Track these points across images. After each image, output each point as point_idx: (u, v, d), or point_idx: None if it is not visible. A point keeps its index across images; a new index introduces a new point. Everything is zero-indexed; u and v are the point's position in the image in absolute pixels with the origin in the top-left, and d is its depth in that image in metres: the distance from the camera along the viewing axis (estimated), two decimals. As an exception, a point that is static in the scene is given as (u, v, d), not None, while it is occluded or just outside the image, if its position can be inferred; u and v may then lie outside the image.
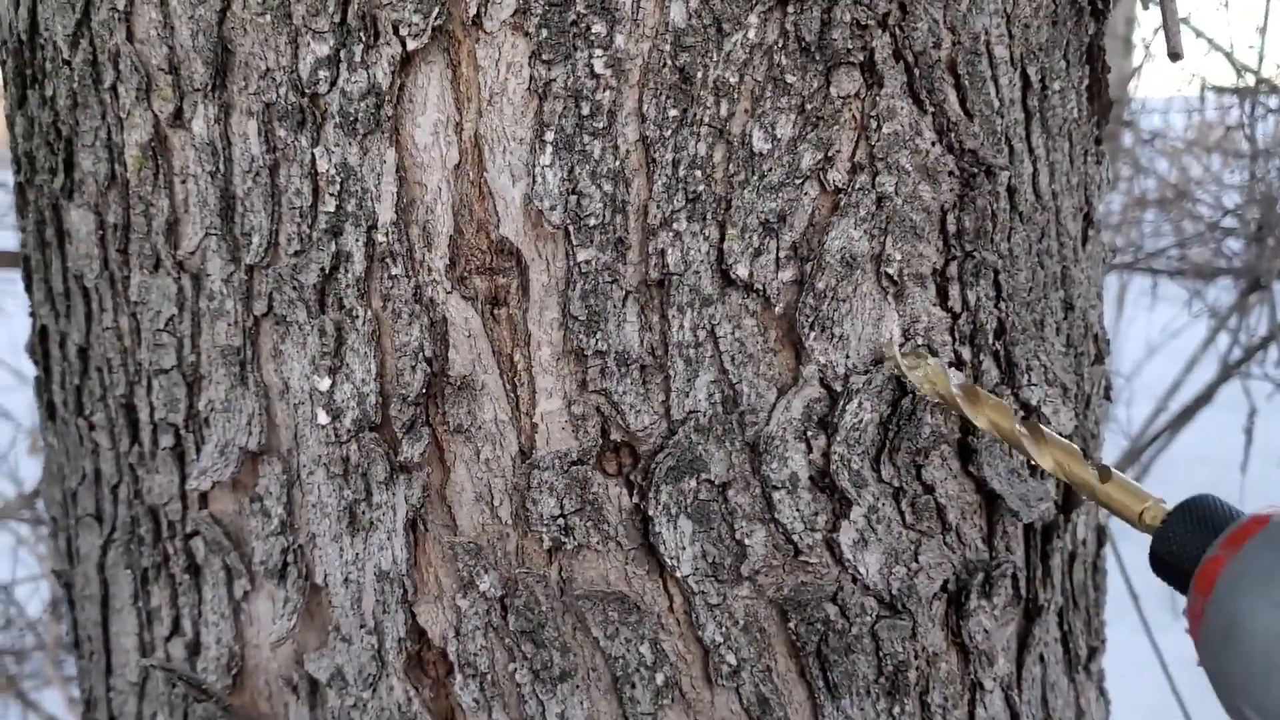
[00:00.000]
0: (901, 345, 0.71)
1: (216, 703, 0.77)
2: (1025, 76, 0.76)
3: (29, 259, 0.88)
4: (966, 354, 0.74)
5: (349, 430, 0.71)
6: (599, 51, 0.66)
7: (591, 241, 0.68)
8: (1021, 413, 0.66)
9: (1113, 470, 0.62)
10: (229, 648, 0.78)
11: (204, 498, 0.78)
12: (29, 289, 0.90)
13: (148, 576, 0.83)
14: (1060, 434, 0.79)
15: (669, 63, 0.66)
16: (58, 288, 0.84)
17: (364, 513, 0.72)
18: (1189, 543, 0.56)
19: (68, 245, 0.82)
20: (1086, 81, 0.83)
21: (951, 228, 0.72)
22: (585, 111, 0.66)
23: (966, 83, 0.71)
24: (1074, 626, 0.86)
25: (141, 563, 0.83)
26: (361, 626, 0.73)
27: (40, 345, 0.90)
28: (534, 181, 0.67)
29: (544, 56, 0.66)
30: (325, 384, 0.71)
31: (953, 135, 0.71)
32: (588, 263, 0.68)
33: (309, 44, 0.68)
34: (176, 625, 0.81)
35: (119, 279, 0.79)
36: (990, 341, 0.75)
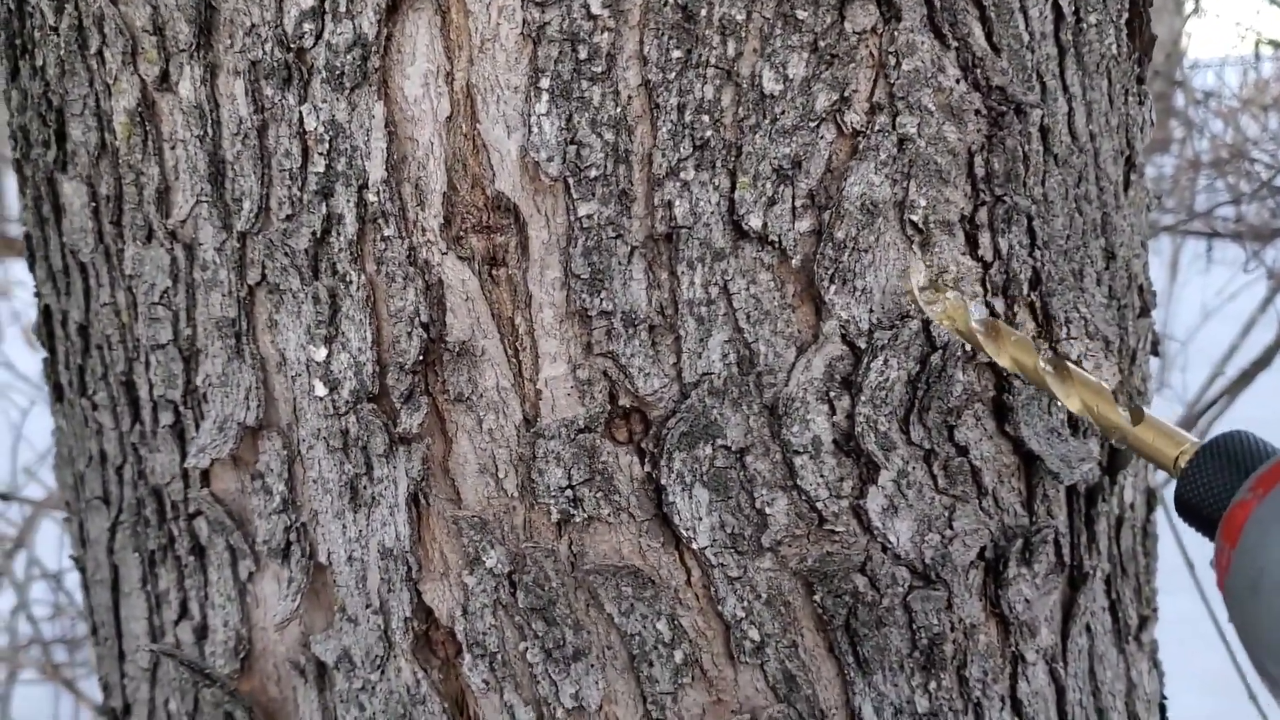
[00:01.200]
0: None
1: (222, 688, 0.74)
2: (1057, 8, 0.71)
3: (30, 237, 0.86)
4: (1000, 306, 0.69)
5: (347, 402, 0.68)
6: (596, -9, 0.62)
7: (593, 194, 0.64)
8: (1048, 349, 0.60)
9: (1146, 411, 0.57)
10: (236, 631, 0.75)
11: (205, 476, 0.75)
12: (32, 268, 0.88)
13: (154, 559, 0.80)
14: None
15: (670, 0, 0.62)
16: (57, 265, 0.82)
17: (365, 487, 0.69)
18: (1217, 485, 0.51)
19: (64, 220, 0.79)
20: (1126, 15, 0.78)
21: (980, 171, 0.67)
22: (583, 55, 0.62)
23: (993, 14, 0.67)
24: (1123, 595, 0.81)
25: (148, 545, 0.80)
26: (367, 606, 0.70)
27: (45, 326, 0.87)
28: (530, 132, 0.63)
29: (537, -2, 0.62)
30: (321, 354, 0.68)
31: (979, 71, 0.66)
32: (589, 217, 0.64)
33: (293, -4, 0.65)
34: (184, 608, 0.79)
35: (114, 252, 0.76)
36: (1025, 292, 0.70)
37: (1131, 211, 0.80)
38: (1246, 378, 2.61)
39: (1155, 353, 0.87)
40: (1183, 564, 1.69)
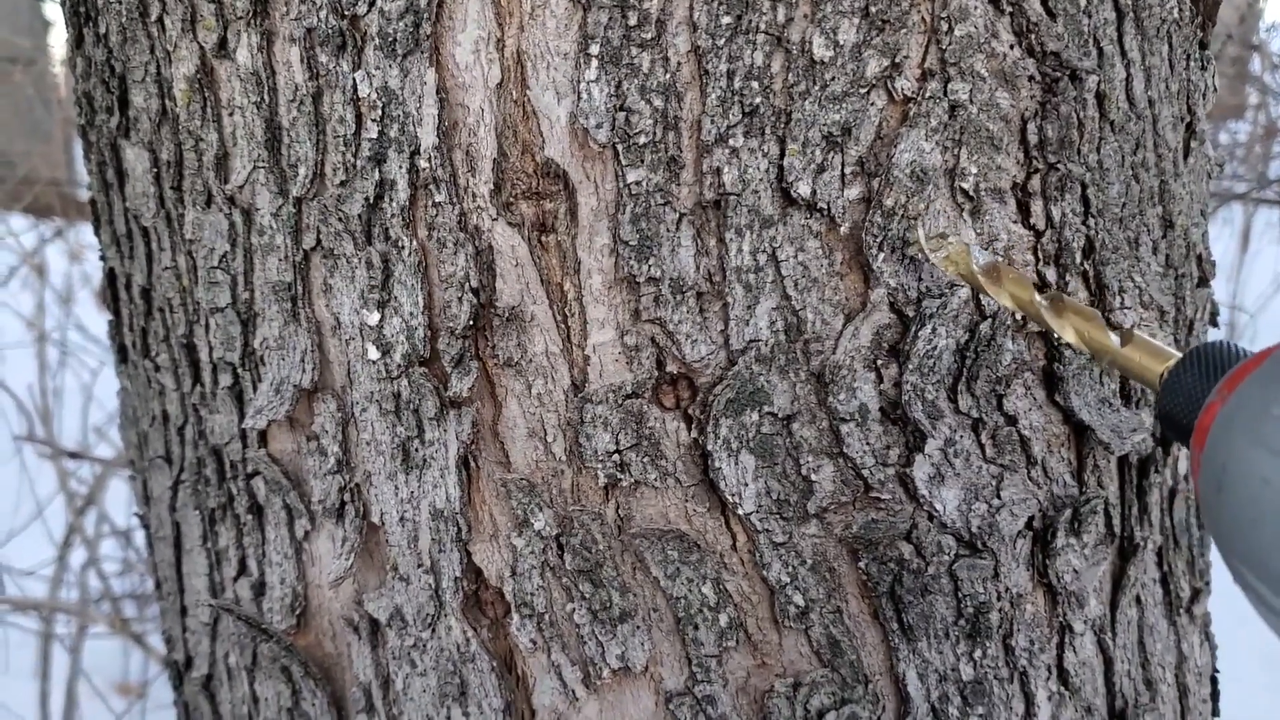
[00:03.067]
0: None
1: (279, 643, 0.76)
2: (1116, -28, 0.69)
3: (95, 202, 0.88)
4: (1051, 274, 0.69)
5: (399, 365, 0.69)
6: (645, -43, 0.62)
7: (642, 161, 0.64)
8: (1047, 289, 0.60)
9: (1136, 333, 0.55)
10: (292, 588, 0.77)
11: (263, 437, 0.77)
12: (97, 232, 0.90)
13: (214, 517, 0.82)
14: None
15: (720, -33, 0.62)
16: (121, 229, 0.84)
17: (417, 450, 0.70)
18: (1194, 394, 0.49)
19: (127, 185, 0.81)
20: (1189, -22, 0.77)
21: (1033, 138, 0.67)
22: (632, 22, 0.63)
23: (1049, -21, 0.66)
24: (1175, 567, 0.80)
25: (208, 504, 0.82)
26: (419, 566, 0.72)
27: (110, 288, 0.89)
28: (579, 98, 0.64)
29: (587, -35, 0.62)
30: (374, 318, 0.69)
31: (1033, 37, 0.65)
32: (638, 184, 0.64)
33: (347, -36, 0.65)
34: (243, 566, 0.81)
35: (174, 217, 0.78)
36: (1078, 261, 0.69)
37: (1191, 179, 0.79)
38: (1317, 349, 2.54)
39: (1214, 323, 0.86)
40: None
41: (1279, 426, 0.41)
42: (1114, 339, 0.56)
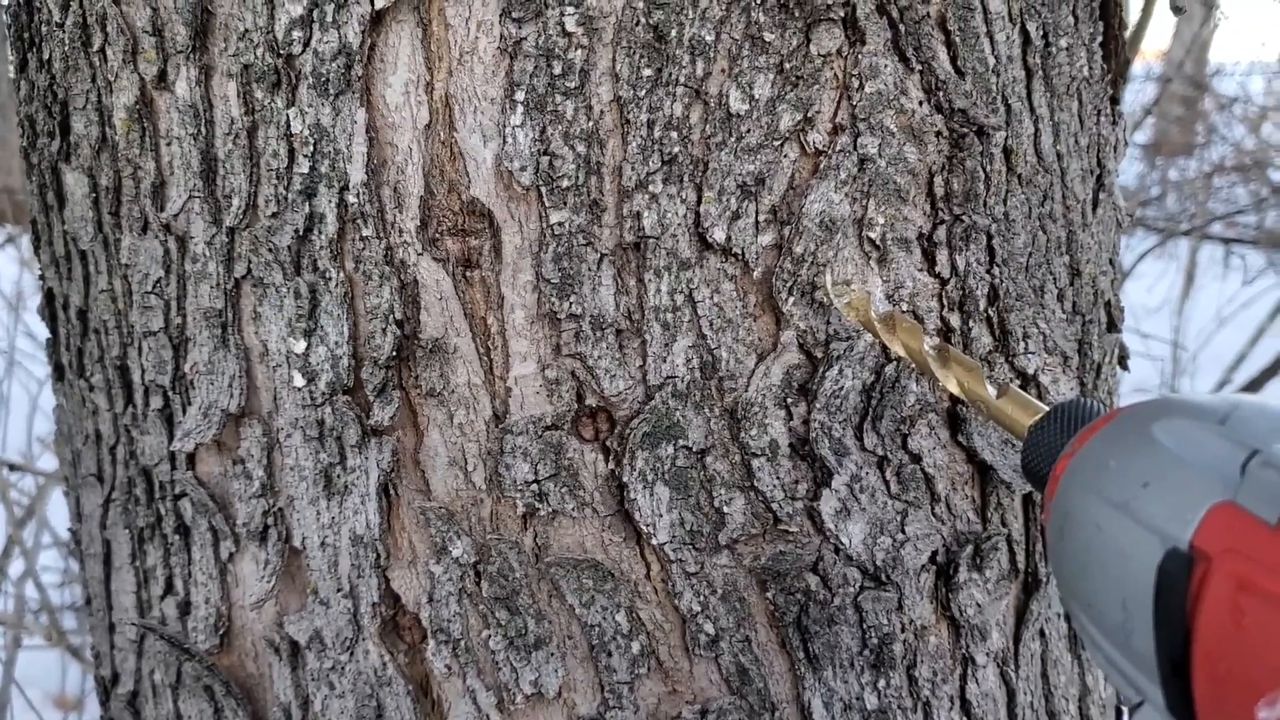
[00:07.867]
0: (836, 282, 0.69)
1: (201, 662, 0.77)
2: (1025, 33, 0.73)
3: (35, 223, 0.89)
4: (955, 320, 0.72)
5: (323, 393, 0.71)
6: (570, 9, 0.64)
7: (565, 203, 0.66)
8: (935, 339, 0.64)
9: (1010, 386, 0.59)
10: (216, 608, 0.79)
11: (191, 459, 0.78)
12: (37, 251, 0.91)
13: (143, 536, 0.83)
14: (1060, 404, 0.77)
15: (643, 20, 0.65)
16: (59, 251, 0.85)
17: (339, 476, 0.72)
18: (1053, 446, 0.52)
19: (66, 208, 0.82)
20: (1100, 39, 0.80)
21: (939, 190, 0.70)
22: (557, 71, 0.65)
23: (958, 39, 0.69)
24: (1078, 602, 0.83)
25: (137, 523, 0.83)
26: (338, 590, 0.73)
27: (48, 308, 0.91)
28: (505, 142, 0.66)
29: (514, 14, 0.64)
30: (300, 346, 0.71)
31: (941, 94, 0.69)
32: (561, 225, 0.67)
33: (284, 4, 0.67)
34: (170, 585, 0.82)
35: (111, 241, 0.79)
36: (981, 308, 0.72)
37: (1100, 229, 0.82)
38: (1255, 385, 2.61)
39: (1123, 365, 0.89)
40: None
41: (1113, 478, 0.44)
42: (991, 391, 0.59)
